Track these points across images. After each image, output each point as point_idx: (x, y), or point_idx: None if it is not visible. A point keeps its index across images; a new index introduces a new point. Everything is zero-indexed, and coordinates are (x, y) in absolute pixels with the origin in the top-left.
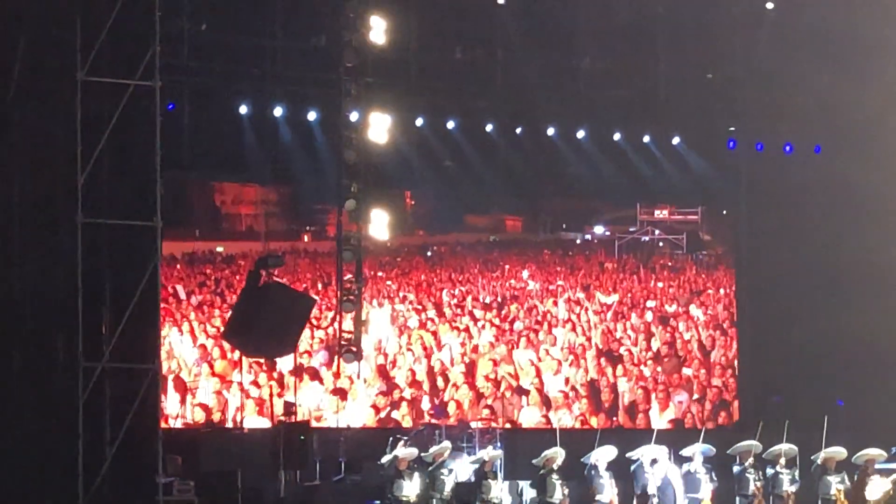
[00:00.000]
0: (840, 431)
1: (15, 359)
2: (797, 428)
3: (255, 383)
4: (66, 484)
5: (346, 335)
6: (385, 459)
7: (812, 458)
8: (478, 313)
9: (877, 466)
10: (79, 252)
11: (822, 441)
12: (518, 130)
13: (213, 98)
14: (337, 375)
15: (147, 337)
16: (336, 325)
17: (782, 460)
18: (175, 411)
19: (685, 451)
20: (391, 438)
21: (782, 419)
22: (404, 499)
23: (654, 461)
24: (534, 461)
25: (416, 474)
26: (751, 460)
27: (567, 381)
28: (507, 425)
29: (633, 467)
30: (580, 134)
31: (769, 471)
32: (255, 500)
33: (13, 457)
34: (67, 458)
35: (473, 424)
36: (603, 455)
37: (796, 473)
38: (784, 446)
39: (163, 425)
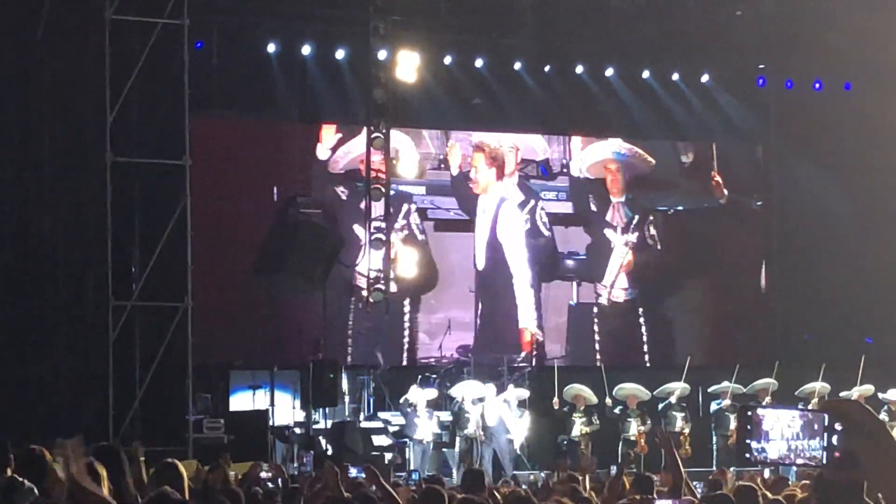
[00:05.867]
0: (869, 369)
1: (46, 298)
2: (824, 366)
3: None
4: (97, 422)
5: (374, 273)
6: (408, 398)
7: (840, 395)
8: None
9: None
10: (108, 191)
11: (857, 380)
12: (546, 68)
13: (242, 37)
14: None
15: (177, 275)
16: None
17: (815, 399)
18: None
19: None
20: (419, 377)
21: (812, 358)
22: (417, 438)
23: (479, 399)
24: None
25: (436, 413)
26: (768, 399)
27: None
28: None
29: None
30: (609, 72)
31: None
32: (284, 439)
33: (44, 396)
34: (98, 396)
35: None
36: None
37: None
38: (817, 385)
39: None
